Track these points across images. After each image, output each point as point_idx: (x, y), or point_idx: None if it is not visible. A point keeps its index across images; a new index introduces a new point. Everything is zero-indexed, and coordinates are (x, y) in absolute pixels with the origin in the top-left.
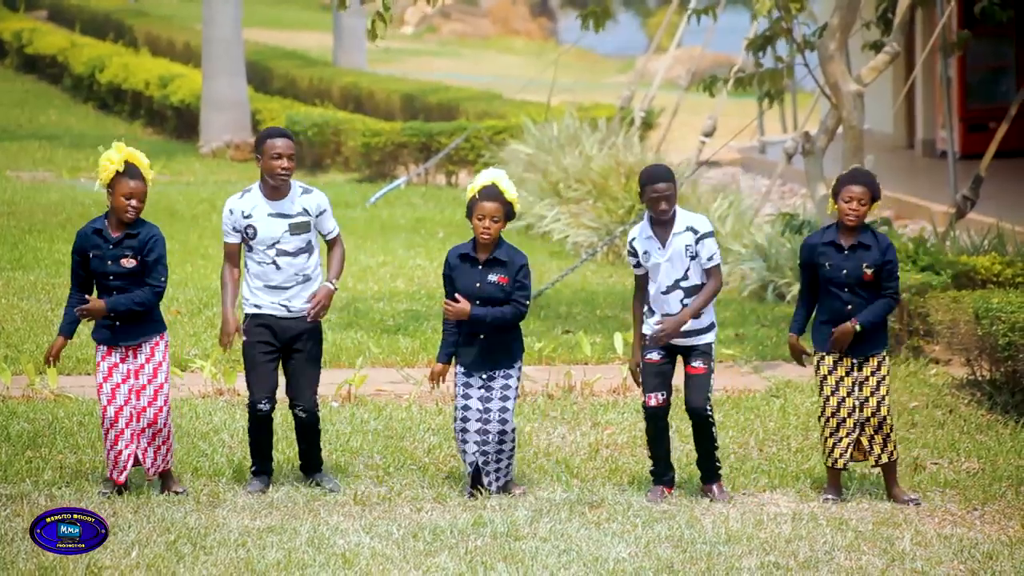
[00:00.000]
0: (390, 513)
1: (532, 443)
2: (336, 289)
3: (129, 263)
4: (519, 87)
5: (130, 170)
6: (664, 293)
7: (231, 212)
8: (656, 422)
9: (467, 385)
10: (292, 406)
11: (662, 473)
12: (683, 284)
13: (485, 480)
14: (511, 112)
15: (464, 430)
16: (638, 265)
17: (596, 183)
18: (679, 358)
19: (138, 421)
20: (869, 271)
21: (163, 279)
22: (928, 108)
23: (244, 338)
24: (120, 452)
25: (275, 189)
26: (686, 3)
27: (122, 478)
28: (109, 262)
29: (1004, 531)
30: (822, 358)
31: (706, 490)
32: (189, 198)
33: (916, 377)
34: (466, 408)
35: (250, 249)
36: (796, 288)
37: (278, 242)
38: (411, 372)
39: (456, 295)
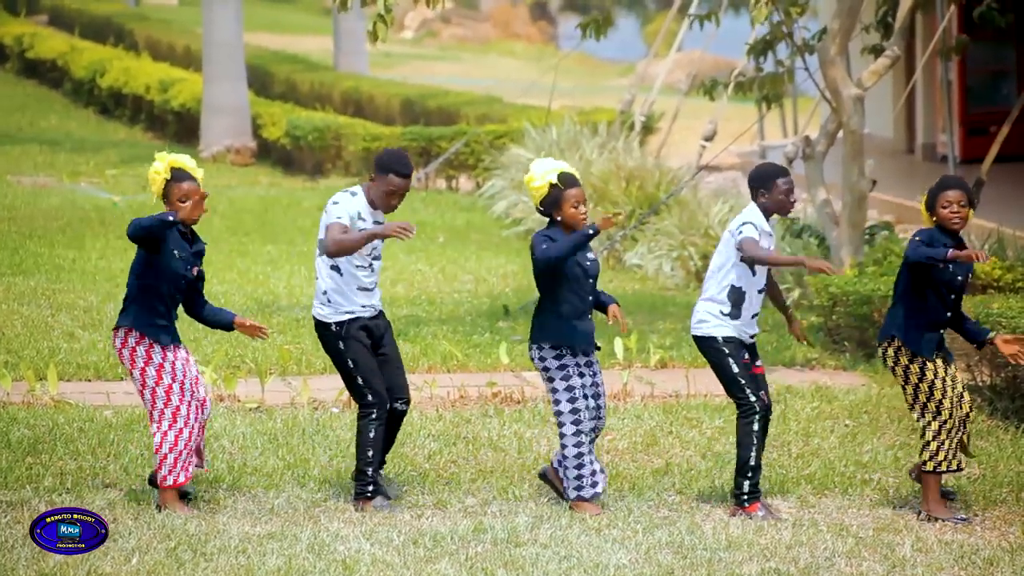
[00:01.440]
0: (390, 519)
1: (532, 449)
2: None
3: (196, 271)
4: (519, 91)
5: (177, 175)
6: (759, 292)
7: (346, 209)
8: (766, 420)
9: (563, 367)
10: (393, 400)
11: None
12: (764, 287)
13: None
14: (511, 116)
15: (595, 429)
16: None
17: (596, 187)
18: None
19: (202, 412)
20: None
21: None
22: (928, 112)
23: (342, 343)
24: (190, 448)
25: (387, 209)
26: (686, 8)
27: (181, 479)
28: (189, 267)
29: (1005, 537)
30: (926, 362)
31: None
32: None
33: None
34: (580, 387)
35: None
36: (796, 293)
37: (377, 247)
38: (411, 378)
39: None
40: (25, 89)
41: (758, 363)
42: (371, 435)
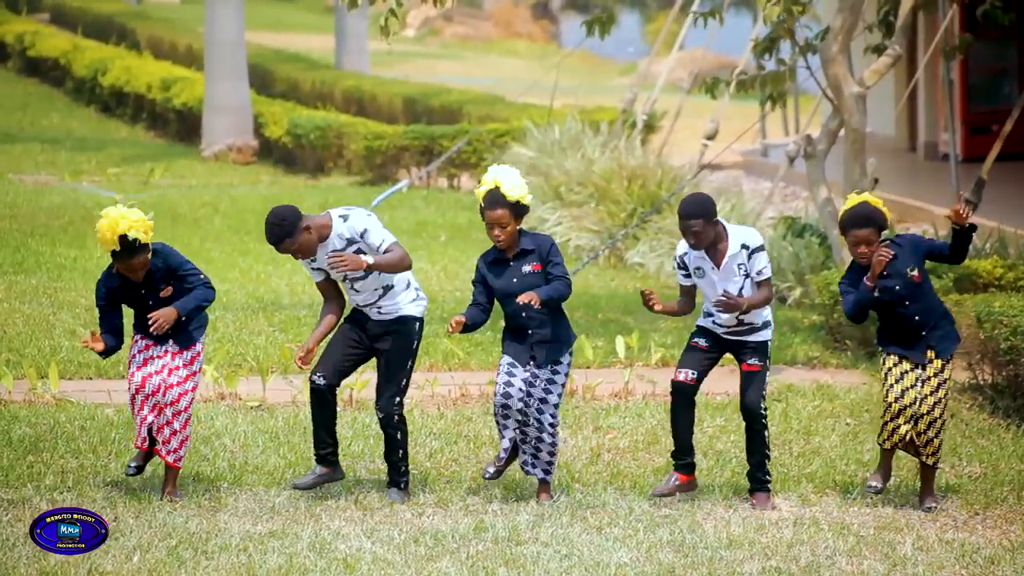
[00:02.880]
0: (391, 518)
1: None
2: (365, 262)
3: (167, 292)
4: (521, 90)
5: (127, 247)
6: (720, 310)
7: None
8: (680, 398)
9: (512, 365)
10: (375, 407)
11: (679, 457)
12: (730, 329)
13: (520, 460)
14: (513, 115)
15: (506, 406)
16: (687, 277)
17: (598, 186)
18: (726, 357)
19: (163, 395)
20: (915, 272)
21: (201, 274)
22: (930, 111)
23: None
24: (145, 417)
25: (306, 257)
26: (688, 7)
27: (138, 442)
28: (149, 301)
29: (1006, 536)
30: (887, 355)
31: (752, 500)
32: (191, 201)
33: None
34: (509, 384)
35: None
36: (798, 292)
37: (346, 275)
38: (413, 376)
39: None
40: (27, 87)
41: (749, 361)
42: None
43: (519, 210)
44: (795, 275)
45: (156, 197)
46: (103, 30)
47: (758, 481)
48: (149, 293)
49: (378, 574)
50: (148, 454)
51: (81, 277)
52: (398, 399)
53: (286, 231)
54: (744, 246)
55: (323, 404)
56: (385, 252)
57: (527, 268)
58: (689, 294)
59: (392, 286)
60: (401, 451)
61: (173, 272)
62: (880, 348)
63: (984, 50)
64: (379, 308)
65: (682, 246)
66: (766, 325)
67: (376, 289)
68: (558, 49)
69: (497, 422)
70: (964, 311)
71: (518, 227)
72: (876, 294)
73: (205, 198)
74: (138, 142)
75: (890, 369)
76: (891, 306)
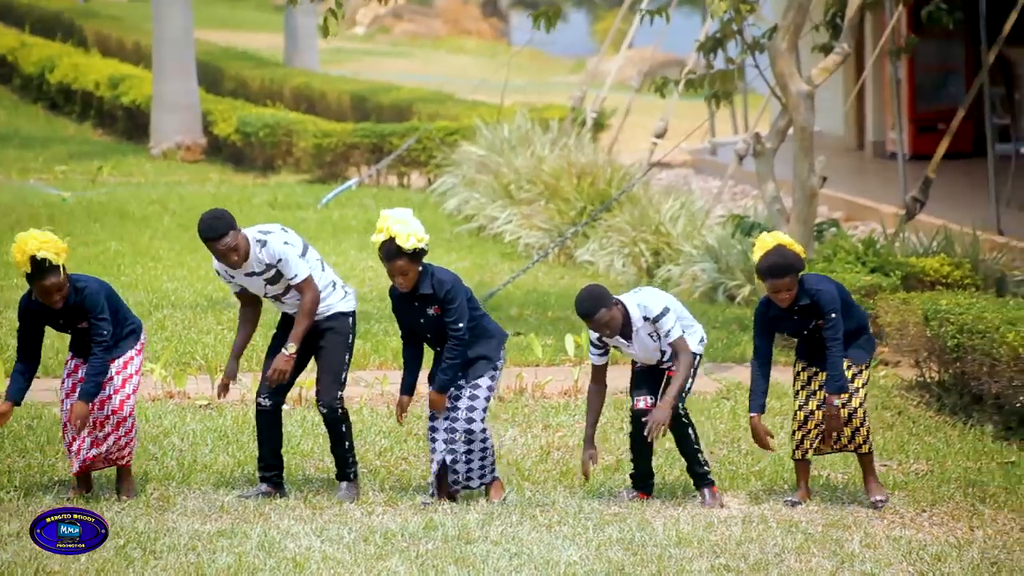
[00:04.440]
0: (341, 517)
1: None
2: (291, 355)
3: (84, 324)
4: (471, 88)
5: (38, 269)
6: (655, 367)
7: (218, 273)
8: (639, 423)
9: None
10: (316, 401)
11: (642, 479)
12: (665, 360)
13: (450, 478)
14: (463, 113)
15: (433, 428)
16: (603, 356)
17: (548, 184)
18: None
19: (101, 409)
20: (822, 321)
21: (105, 332)
22: (878, 109)
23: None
24: (83, 440)
25: (234, 266)
26: (636, 5)
27: (76, 467)
28: (69, 330)
29: (952, 533)
30: (796, 361)
31: (699, 498)
32: (140, 199)
33: None
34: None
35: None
36: (746, 290)
37: (267, 293)
38: (362, 375)
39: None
40: None
41: (671, 367)
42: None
43: (417, 256)
44: (744, 273)
45: (104, 195)
46: (50, 27)
47: (699, 478)
48: (67, 323)
49: (328, 573)
50: (87, 475)
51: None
52: (339, 392)
53: (229, 225)
54: (645, 317)
55: (272, 425)
56: (297, 287)
57: (430, 311)
58: (602, 374)
59: (324, 288)
60: (347, 443)
61: (85, 314)
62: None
63: (931, 49)
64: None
65: (591, 338)
66: (700, 341)
67: (297, 303)
68: (507, 47)
69: (429, 447)
70: (911, 309)
71: (419, 267)
72: (804, 331)
73: (154, 196)
74: (86, 140)
75: (797, 374)
76: (797, 337)
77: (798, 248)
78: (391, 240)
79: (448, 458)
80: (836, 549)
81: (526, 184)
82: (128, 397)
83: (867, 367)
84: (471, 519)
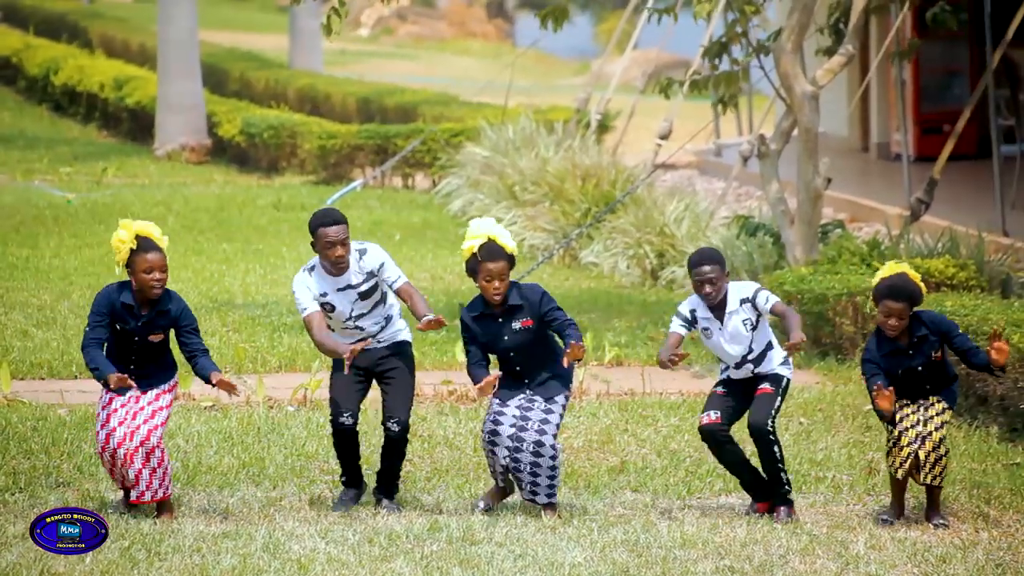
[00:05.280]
0: (346, 518)
1: None
2: (436, 318)
3: (156, 338)
4: (476, 89)
5: (143, 243)
6: (736, 367)
7: (307, 288)
8: (711, 440)
9: (506, 396)
10: (384, 420)
11: (751, 490)
12: (750, 357)
13: (520, 491)
14: (467, 115)
15: (494, 432)
16: (685, 326)
17: (552, 186)
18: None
19: (131, 440)
20: (938, 353)
21: (198, 340)
22: (883, 111)
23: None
24: (114, 469)
25: (340, 270)
26: (641, 7)
27: (119, 484)
28: (136, 337)
29: (957, 534)
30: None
31: (774, 513)
32: (144, 201)
33: None
34: (500, 414)
35: (330, 318)
36: None
37: (353, 311)
38: None
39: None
40: None
41: (763, 384)
42: (334, 443)
43: (512, 261)
44: (749, 274)
45: (109, 197)
46: (55, 29)
47: (778, 496)
48: (143, 328)
49: (332, 575)
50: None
51: (32, 277)
52: (410, 413)
53: (344, 218)
54: (743, 300)
55: (352, 441)
56: (398, 290)
57: (516, 324)
58: (674, 344)
59: (392, 317)
60: (402, 461)
61: (175, 320)
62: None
63: (935, 51)
64: (379, 339)
65: (692, 302)
66: (784, 362)
67: (378, 321)
68: (512, 48)
69: (486, 454)
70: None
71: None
72: (917, 365)
73: (158, 197)
74: (91, 141)
75: (901, 409)
76: (902, 381)
77: (921, 285)
78: (492, 240)
79: (512, 465)
80: (841, 550)
81: (530, 186)
82: (156, 428)
83: (952, 411)
84: (476, 520)
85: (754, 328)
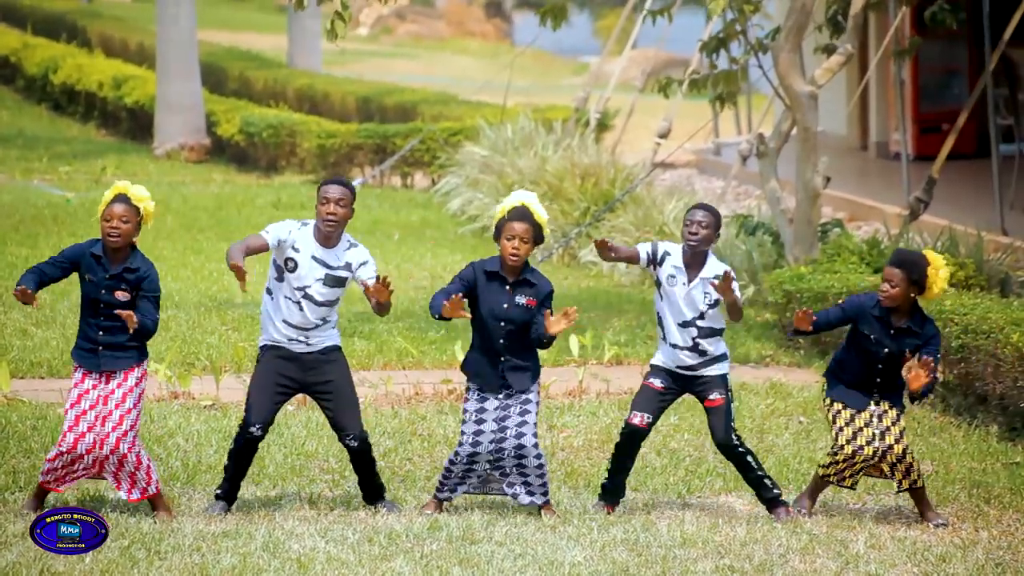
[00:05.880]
0: (345, 517)
1: None
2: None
3: (123, 296)
4: (475, 89)
5: (118, 197)
6: (680, 326)
7: (288, 232)
8: (631, 440)
9: (481, 410)
10: (340, 437)
11: (613, 492)
12: (699, 323)
13: (512, 493)
14: (466, 114)
15: (474, 455)
16: (648, 256)
17: (551, 185)
18: (685, 397)
19: (101, 448)
20: (910, 355)
21: (154, 318)
22: (882, 110)
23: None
24: (73, 471)
25: (325, 236)
26: (640, 6)
27: (62, 488)
28: (103, 291)
29: (957, 533)
30: (839, 404)
31: (774, 517)
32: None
33: None
34: (479, 433)
35: (280, 281)
36: (751, 291)
37: (309, 287)
38: (366, 375)
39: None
40: None
41: (712, 396)
42: (232, 447)
43: (539, 235)
44: (748, 273)
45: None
46: (54, 28)
47: (768, 500)
48: (109, 281)
49: (332, 574)
50: (44, 494)
51: None
52: (362, 424)
53: (351, 188)
54: (717, 276)
55: (251, 452)
56: (368, 285)
57: (521, 299)
58: (634, 255)
59: (331, 322)
60: (375, 466)
61: (140, 280)
62: (826, 390)
63: (935, 50)
64: (307, 338)
65: (671, 247)
66: (724, 357)
67: (317, 320)
68: (511, 48)
69: (450, 470)
70: None
71: (529, 253)
72: (871, 342)
73: (157, 196)
74: (90, 140)
75: (839, 411)
76: (869, 357)
77: (942, 271)
78: (524, 206)
79: (498, 475)
80: (841, 550)
81: (529, 185)
82: (125, 434)
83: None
84: (476, 520)
85: (711, 307)
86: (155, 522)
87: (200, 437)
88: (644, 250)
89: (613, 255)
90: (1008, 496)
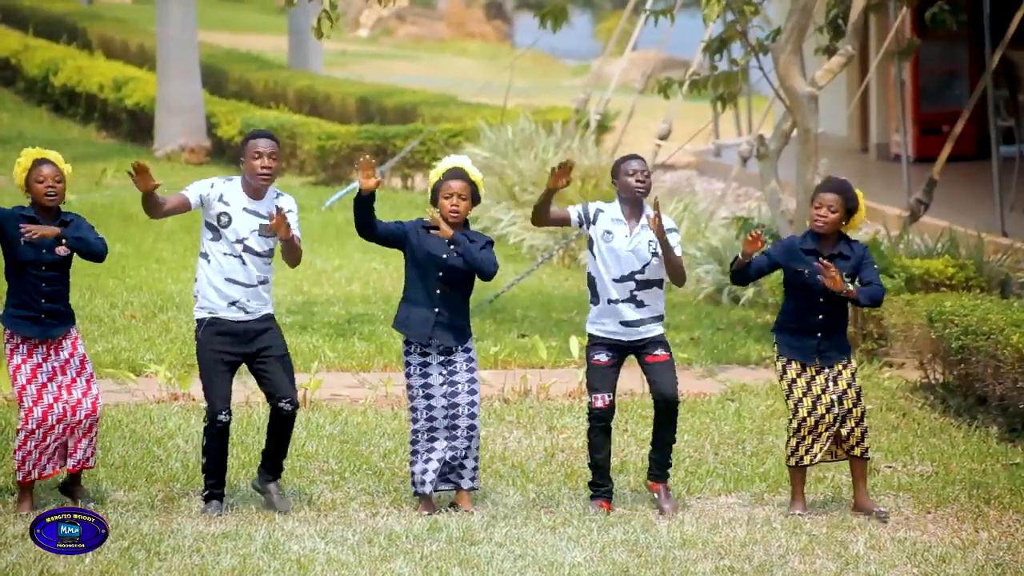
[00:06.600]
0: (345, 518)
1: (488, 447)
2: (296, 235)
3: (63, 251)
4: (475, 90)
5: (38, 161)
6: (616, 281)
7: (211, 186)
8: (602, 424)
9: (425, 375)
10: (276, 401)
11: (602, 484)
12: (638, 276)
13: (462, 480)
14: (467, 115)
15: (432, 430)
16: (579, 218)
17: None
18: (628, 359)
19: (74, 415)
20: (849, 287)
21: (102, 242)
22: (882, 112)
23: (197, 343)
24: (47, 447)
25: (256, 189)
26: (640, 7)
27: (46, 472)
28: (44, 250)
29: (957, 534)
30: (788, 363)
31: (654, 488)
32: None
33: (870, 380)
34: (431, 408)
35: (217, 239)
36: (751, 292)
37: (246, 239)
38: (366, 376)
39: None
40: None
41: (656, 352)
42: (204, 444)
43: (476, 194)
44: None
45: (108, 197)
46: (54, 29)
47: (663, 467)
48: (50, 241)
49: (332, 575)
50: (29, 489)
51: None
52: (296, 391)
53: (278, 140)
54: (662, 224)
55: (226, 440)
56: (291, 244)
57: (445, 251)
58: (563, 216)
59: (269, 282)
60: (289, 441)
61: (77, 226)
62: (777, 349)
63: (935, 51)
64: (247, 302)
65: (601, 205)
66: (660, 318)
67: (260, 275)
68: (511, 49)
69: (416, 452)
70: (915, 311)
71: (468, 213)
72: (806, 276)
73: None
74: (90, 142)
75: (794, 380)
76: (807, 293)
77: (862, 199)
78: (459, 167)
79: (449, 455)
80: (840, 551)
81: (530, 186)
82: (97, 398)
83: (850, 361)
84: (476, 521)
85: (655, 254)
86: (155, 523)
87: (200, 438)
88: (575, 211)
89: (550, 217)
90: (1008, 497)
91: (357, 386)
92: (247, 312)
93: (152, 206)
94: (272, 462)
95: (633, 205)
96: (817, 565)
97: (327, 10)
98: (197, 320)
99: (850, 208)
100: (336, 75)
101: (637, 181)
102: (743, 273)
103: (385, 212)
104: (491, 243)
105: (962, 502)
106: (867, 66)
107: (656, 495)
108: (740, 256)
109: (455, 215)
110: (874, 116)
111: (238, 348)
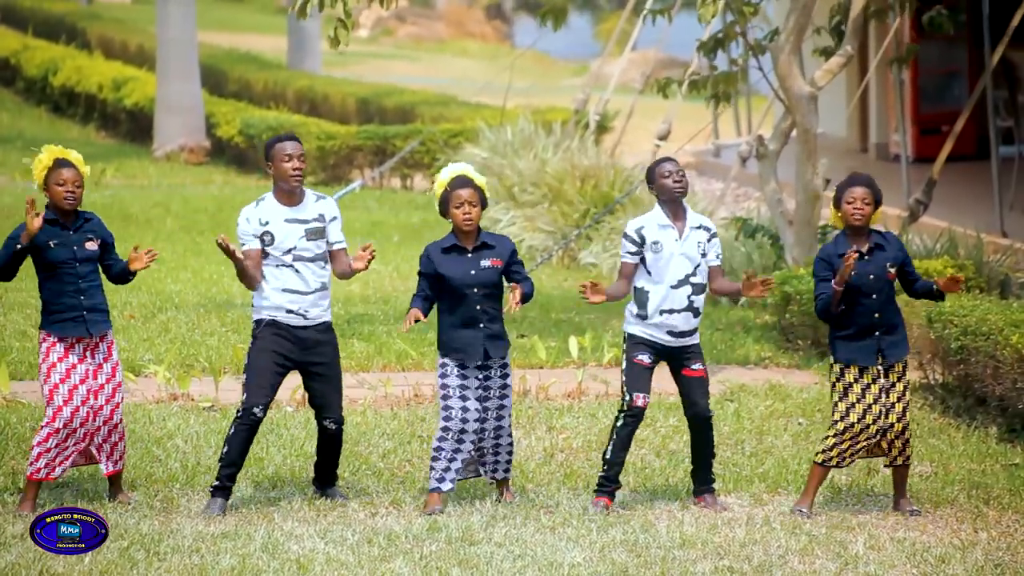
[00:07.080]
0: (345, 518)
1: None
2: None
3: (93, 246)
4: (474, 90)
5: (59, 163)
6: (674, 287)
7: (247, 221)
8: (635, 422)
9: (463, 388)
10: (322, 419)
11: (613, 483)
12: (692, 280)
13: (486, 472)
14: (466, 115)
15: (463, 431)
16: (636, 254)
17: (551, 187)
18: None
19: (94, 420)
20: (892, 269)
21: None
22: (881, 112)
23: (253, 341)
24: (65, 448)
25: (289, 194)
26: (640, 7)
27: (55, 474)
28: (75, 247)
29: (956, 534)
30: (846, 367)
31: (701, 501)
32: (143, 202)
33: None
34: (464, 410)
35: (266, 256)
36: None
37: (295, 248)
38: (366, 376)
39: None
40: None
41: (694, 366)
42: (230, 432)
43: (484, 199)
44: (748, 276)
45: (108, 198)
46: (54, 30)
47: (707, 479)
48: (75, 236)
49: (331, 575)
50: (36, 490)
51: (32, 278)
52: (342, 406)
53: (300, 141)
54: (704, 227)
55: (253, 435)
56: (337, 251)
57: (486, 263)
58: (629, 276)
59: (327, 285)
60: (340, 450)
61: (98, 228)
62: (833, 356)
63: (934, 52)
64: (307, 312)
65: (641, 220)
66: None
67: (317, 281)
68: (511, 50)
69: (441, 449)
70: (915, 311)
71: (480, 217)
72: (853, 279)
73: (157, 198)
74: (89, 142)
75: (850, 385)
76: (856, 295)
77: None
78: (463, 174)
79: (476, 455)
80: (840, 551)
81: (529, 187)
82: (118, 406)
83: (906, 366)
84: (475, 521)
85: (704, 255)
86: (155, 523)
87: (199, 439)
88: (627, 251)
89: (606, 297)
90: (1007, 497)
91: (356, 386)
92: (306, 319)
93: (251, 280)
94: (324, 474)
95: (675, 206)
96: (817, 565)
97: (343, 20)
98: (255, 320)
99: (877, 200)
100: (335, 75)
101: (674, 181)
102: (831, 311)
103: (384, 213)
104: (515, 252)
105: (961, 502)
106: (866, 66)
107: (703, 506)
108: (827, 300)
109: (469, 223)
110: (873, 116)
111: (293, 354)
